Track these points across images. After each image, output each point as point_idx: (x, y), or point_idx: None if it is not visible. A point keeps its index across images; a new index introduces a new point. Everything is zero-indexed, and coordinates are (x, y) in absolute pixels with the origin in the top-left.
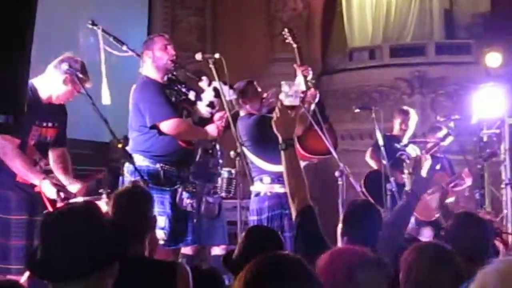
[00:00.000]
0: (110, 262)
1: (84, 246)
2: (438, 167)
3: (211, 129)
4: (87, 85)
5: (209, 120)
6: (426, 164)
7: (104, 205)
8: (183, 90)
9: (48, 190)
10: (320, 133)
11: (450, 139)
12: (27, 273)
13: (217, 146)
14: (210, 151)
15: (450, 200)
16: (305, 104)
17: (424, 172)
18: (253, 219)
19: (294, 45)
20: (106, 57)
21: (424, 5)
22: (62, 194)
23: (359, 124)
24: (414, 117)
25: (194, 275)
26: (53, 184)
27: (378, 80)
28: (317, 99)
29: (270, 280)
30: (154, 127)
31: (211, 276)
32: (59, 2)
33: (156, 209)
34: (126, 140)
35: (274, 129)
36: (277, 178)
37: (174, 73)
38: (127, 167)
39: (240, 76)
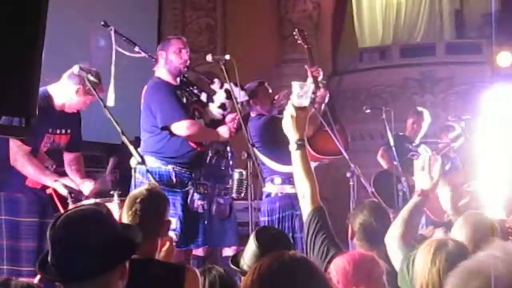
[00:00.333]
0: (120, 263)
1: (94, 247)
2: (447, 167)
3: (223, 131)
4: (101, 93)
5: (221, 122)
6: (436, 165)
7: (115, 206)
8: (195, 91)
9: (61, 190)
10: (330, 133)
11: (461, 140)
12: (38, 276)
13: (228, 148)
14: (222, 153)
15: (464, 201)
16: (315, 105)
17: (434, 173)
18: (264, 219)
19: (305, 46)
20: (117, 59)
21: (434, 5)
22: (73, 196)
23: (370, 125)
24: (427, 118)
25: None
26: (65, 186)
27: (388, 81)
28: (327, 100)
29: (277, 279)
30: (166, 128)
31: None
32: (69, 4)
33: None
34: (137, 141)
35: (285, 130)
36: (288, 179)
37: (186, 75)
38: (139, 168)
39: (250, 77)
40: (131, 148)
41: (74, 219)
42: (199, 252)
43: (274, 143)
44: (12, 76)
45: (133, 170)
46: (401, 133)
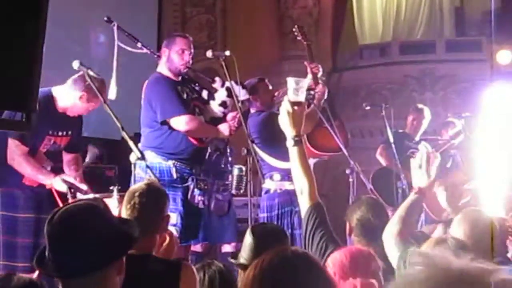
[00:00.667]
0: (117, 258)
1: (91, 242)
2: (448, 164)
3: (223, 128)
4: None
5: (221, 120)
6: (436, 162)
7: (115, 201)
8: (196, 88)
9: (60, 187)
10: (330, 130)
11: (461, 136)
12: (37, 272)
13: (228, 146)
14: (222, 151)
15: (466, 199)
16: (314, 101)
17: (433, 170)
18: (263, 216)
19: (304, 43)
20: (118, 54)
21: (434, 2)
22: (72, 191)
23: (369, 122)
24: (427, 115)
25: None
26: (64, 181)
27: (388, 78)
28: (325, 96)
29: (278, 275)
30: (165, 123)
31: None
32: (69, 1)
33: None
34: (137, 137)
35: (281, 127)
36: (287, 175)
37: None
38: (139, 164)
39: (250, 73)
40: (131, 143)
41: (71, 214)
42: (197, 248)
43: (274, 139)
44: (13, 71)
45: (133, 166)
46: (400, 130)
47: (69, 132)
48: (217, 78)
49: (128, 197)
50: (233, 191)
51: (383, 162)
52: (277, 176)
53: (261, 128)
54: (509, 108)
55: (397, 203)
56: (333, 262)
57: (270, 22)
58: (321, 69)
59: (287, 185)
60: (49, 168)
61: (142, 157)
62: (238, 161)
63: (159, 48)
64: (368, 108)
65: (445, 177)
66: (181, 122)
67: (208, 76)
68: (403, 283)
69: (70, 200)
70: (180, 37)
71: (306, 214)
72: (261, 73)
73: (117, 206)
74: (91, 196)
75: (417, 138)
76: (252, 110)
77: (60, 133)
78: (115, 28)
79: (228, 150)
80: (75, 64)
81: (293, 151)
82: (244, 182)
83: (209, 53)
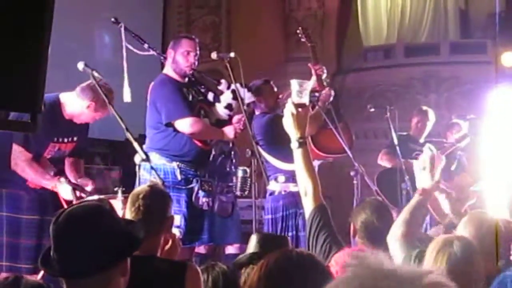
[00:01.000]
0: (122, 259)
1: (96, 243)
2: (453, 167)
3: (228, 131)
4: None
5: (226, 122)
6: (441, 164)
7: (119, 203)
8: (202, 90)
9: (64, 189)
10: (334, 132)
11: (467, 140)
12: (41, 273)
13: (233, 149)
14: (227, 154)
15: (472, 201)
16: (319, 103)
17: (437, 172)
18: (267, 217)
19: (309, 44)
20: (121, 57)
21: (439, 4)
22: (77, 193)
23: (374, 124)
24: (432, 117)
25: None
26: (69, 182)
27: (392, 80)
28: (331, 98)
29: (283, 276)
30: (170, 125)
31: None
32: (73, 1)
33: (172, 208)
34: (141, 138)
35: (286, 129)
36: (292, 177)
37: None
38: (144, 165)
39: (255, 75)
40: (135, 145)
41: (77, 214)
42: (201, 249)
43: (278, 141)
44: (18, 72)
45: (137, 167)
46: (405, 133)
47: (75, 138)
48: (222, 80)
49: (132, 200)
50: (238, 193)
51: (387, 164)
52: (281, 178)
53: (266, 130)
54: None
55: (401, 204)
56: (337, 261)
57: (274, 24)
58: (325, 71)
59: (291, 187)
60: (52, 173)
61: (147, 159)
62: (243, 162)
63: (164, 50)
64: (372, 110)
65: (450, 179)
66: (185, 125)
67: (213, 78)
68: (334, 284)
69: (74, 202)
70: (185, 39)
71: (310, 216)
72: (266, 75)
73: (121, 207)
74: (96, 197)
75: (421, 140)
76: (257, 112)
77: (65, 140)
78: (122, 29)
79: (233, 153)
80: (80, 66)
81: (297, 153)
82: (248, 184)
83: (213, 55)
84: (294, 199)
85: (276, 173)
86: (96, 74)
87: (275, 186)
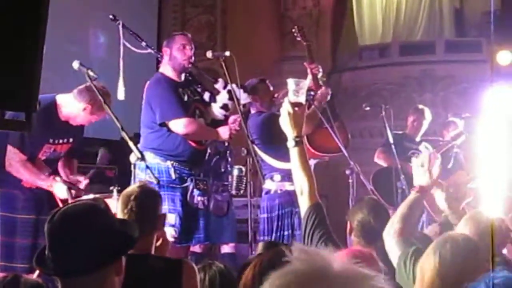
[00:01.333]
0: (117, 258)
1: (91, 242)
2: (450, 165)
3: (223, 131)
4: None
5: (222, 122)
6: (436, 162)
7: (115, 202)
8: (198, 90)
9: (59, 189)
10: (330, 131)
11: (462, 138)
12: (36, 272)
13: (228, 149)
14: (223, 154)
15: (468, 200)
16: (315, 102)
17: (435, 170)
18: (263, 216)
19: (304, 43)
20: (116, 55)
21: (434, 3)
22: (73, 192)
23: (369, 122)
24: (428, 116)
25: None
26: (64, 181)
27: (388, 78)
28: (328, 97)
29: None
30: (164, 125)
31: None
32: (68, 1)
33: (167, 207)
34: (136, 137)
35: (282, 127)
36: (287, 176)
37: (191, 73)
38: (139, 164)
39: (250, 74)
40: (131, 144)
41: (72, 213)
42: (196, 248)
43: (274, 140)
44: (13, 72)
45: (132, 166)
46: (400, 132)
47: (70, 140)
48: (219, 79)
49: (123, 202)
50: (233, 192)
51: (383, 163)
52: (277, 176)
53: (261, 129)
54: (509, 109)
55: (397, 203)
56: None
57: (270, 23)
58: (321, 70)
59: (287, 186)
60: (47, 174)
61: (142, 158)
62: (238, 161)
63: (159, 49)
64: (367, 108)
65: (447, 177)
66: (179, 125)
67: (210, 77)
68: (280, 275)
69: (70, 201)
70: (179, 35)
71: (305, 214)
72: (261, 73)
73: (117, 206)
74: (91, 196)
75: (417, 139)
76: (253, 111)
77: (61, 141)
78: (120, 27)
79: (228, 152)
80: (75, 65)
81: (293, 151)
82: (244, 183)
83: (209, 54)
84: (290, 198)
85: (271, 172)
86: (91, 73)
87: (271, 185)
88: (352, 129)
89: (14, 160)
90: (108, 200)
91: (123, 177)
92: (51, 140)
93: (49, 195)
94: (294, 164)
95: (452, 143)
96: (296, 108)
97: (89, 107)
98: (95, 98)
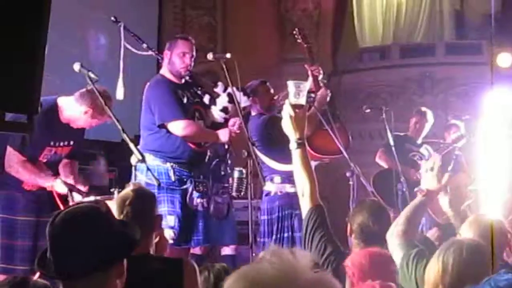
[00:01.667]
0: (118, 261)
1: (92, 244)
2: (450, 168)
3: (223, 133)
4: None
5: (222, 125)
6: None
7: (115, 204)
8: (198, 93)
9: (60, 185)
10: (330, 133)
11: (463, 141)
12: (37, 274)
13: (228, 152)
14: (223, 157)
15: (469, 202)
16: (315, 104)
17: (434, 173)
18: (263, 218)
19: (305, 45)
20: (116, 57)
21: (434, 5)
22: (74, 194)
23: (369, 124)
24: (430, 119)
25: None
26: (65, 183)
27: (388, 81)
28: (328, 99)
29: None
30: (164, 126)
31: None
32: (68, 2)
33: (166, 208)
34: (137, 139)
35: (284, 130)
36: (287, 178)
37: (192, 75)
38: (139, 166)
39: (250, 76)
40: (132, 146)
41: (73, 216)
42: (196, 250)
43: (274, 142)
44: (15, 73)
45: (133, 168)
46: (402, 133)
47: (71, 142)
48: (219, 83)
49: (118, 206)
50: (233, 194)
51: (384, 164)
52: (277, 178)
53: (262, 131)
54: (509, 111)
55: (397, 205)
56: (353, 263)
57: (270, 25)
58: (321, 72)
59: (287, 188)
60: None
61: (143, 160)
62: (239, 163)
63: (159, 51)
64: (368, 111)
65: (447, 179)
66: (178, 127)
67: (209, 79)
68: (245, 275)
69: (71, 203)
70: (182, 40)
71: (306, 216)
72: (262, 75)
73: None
74: (92, 198)
75: (419, 141)
76: (253, 113)
77: (62, 143)
78: (121, 28)
79: (228, 155)
80: (76, 67)
81: (296, 153)
82: (244, 185)
83: (209, 56)
84: (290, 200)
85: (272, 174)
86: (92, 75)
87: (271, 187)
88: (353, 131)
89: (13, 161)
90: (109, 202)
91: (124, 179)
92: (52, 143)
93: (50, 197)
94: (296, 166)
95: (453, 146)
96: (297, 110)
97: (90, 111)
98: (96, 101)
